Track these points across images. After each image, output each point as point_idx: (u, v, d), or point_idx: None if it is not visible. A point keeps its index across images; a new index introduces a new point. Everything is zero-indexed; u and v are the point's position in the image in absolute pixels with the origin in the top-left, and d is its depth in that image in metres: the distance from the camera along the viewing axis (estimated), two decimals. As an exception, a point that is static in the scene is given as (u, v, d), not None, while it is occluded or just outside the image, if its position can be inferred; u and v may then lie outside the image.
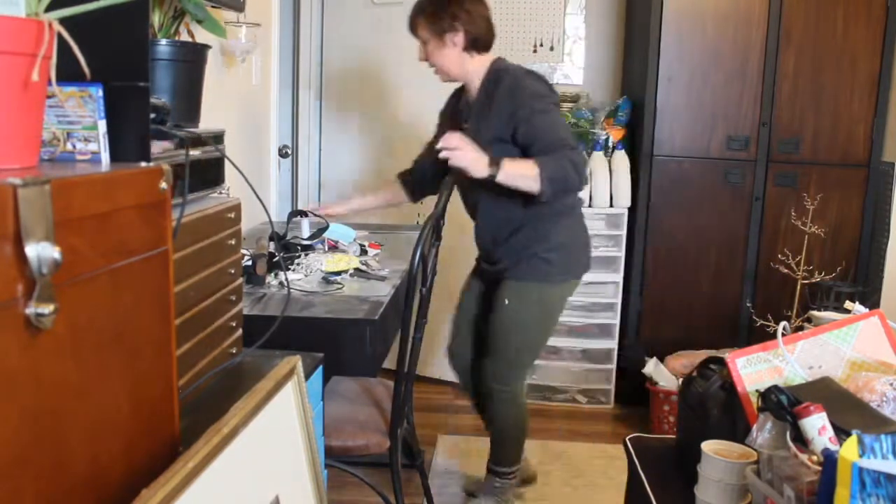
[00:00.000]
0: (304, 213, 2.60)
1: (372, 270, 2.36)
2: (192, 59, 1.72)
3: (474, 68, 2.35)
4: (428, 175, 2.60)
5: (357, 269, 2.34)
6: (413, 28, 2.37)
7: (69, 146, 1.01)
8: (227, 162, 1.54)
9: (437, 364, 3.77)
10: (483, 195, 2.38)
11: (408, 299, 2.02)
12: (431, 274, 2.23)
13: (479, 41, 2.33)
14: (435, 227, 2.17)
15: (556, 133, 2.20)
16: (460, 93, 2.52)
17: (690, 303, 3.54)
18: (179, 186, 1.28)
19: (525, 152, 2.24)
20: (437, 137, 2.49)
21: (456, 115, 2.49)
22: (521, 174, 2.14)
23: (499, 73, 2.31)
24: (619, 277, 3.52)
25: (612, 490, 2.80)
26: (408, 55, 3.70)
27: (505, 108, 2.25)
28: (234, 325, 1.54)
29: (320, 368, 1.68)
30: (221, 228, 1.46)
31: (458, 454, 3.08)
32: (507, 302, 2.37)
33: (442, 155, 2.14)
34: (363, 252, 2.59)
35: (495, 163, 2.13)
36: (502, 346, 2.42)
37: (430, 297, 2.26)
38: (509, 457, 2.56)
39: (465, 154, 2.12)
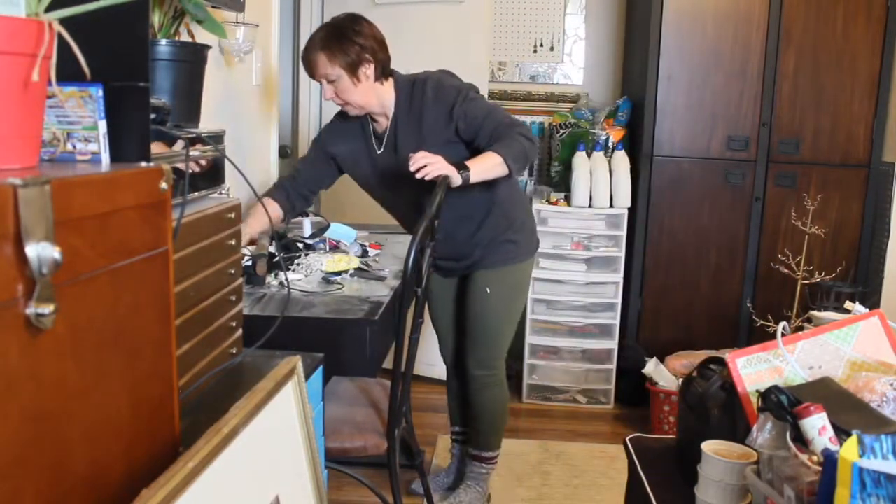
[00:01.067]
0: (305, 213, 2.59)
1: (372, 271, 2.36)
2: (192, 59, 1.72)
3: (387, 94, 2.30)
4: (313, 187, 2.51)
5: (358, 269, 2.34)
6: (314, 67, 2.22)
7: (69, 146, 1.01)
8: (227, 162, 1.54)
9: (437, 364, 3.77)
10: (471, 202, 2.38)
11: (403, 300, 2.02)
12: (427, 274, 2.23)
13: (386, 67, 2.29)
14: (429, 227, 2.17)
15: (494, 116, 2.23)
16: (358, 124, 2.42)
17: (690, 303, 3.54)
18: (179, 186, 1.28)
19: (472, 143, 2.26)
20: (347, 168, 2.48)
21: (367, 146, 2.41)
22: (488, 168, 2.14)
23: (413, 86, 2.30)
24: (619, 277, 3.52)
25: (612, 490, 2.80)
26: (408, 55, 3.70)
27: (440, 110, 2.26)
28: (234, 325, 1.54)
29: (320, 369, 1.68)
30: (221, 228, 1.46)
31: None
32: (488, 291, 2.42)
33: (420, 174, 2.06)
34: (364, 253, 2.59)
35: (462, 167, 2.10)
36: (489, 334, 2.47)
37: (427, 297, 2.26)
38: (496, 441, 2.62)
39: (440, 165, 2.06)
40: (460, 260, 2.48)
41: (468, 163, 2.13)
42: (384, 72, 2.29)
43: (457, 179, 2.09)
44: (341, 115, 2.45)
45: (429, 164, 2.05)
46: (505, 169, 2.14)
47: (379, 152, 2.38)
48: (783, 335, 1.46)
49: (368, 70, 2.23)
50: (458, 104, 2.24)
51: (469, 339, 2.51)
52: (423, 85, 2.30)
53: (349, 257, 2.41)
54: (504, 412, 2.60)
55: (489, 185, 2.26)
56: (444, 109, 2.25)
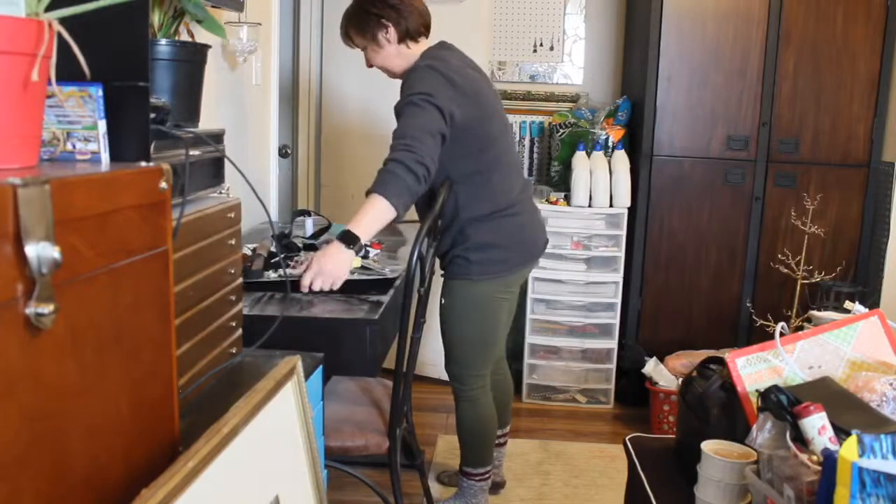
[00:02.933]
0: (307, 213, 2.58)
1: (374, 269, 2.36)
2: (192, 59, 1.72)
3: (414, 57, 2.32)
4: None
5: (360, 268, 2.33)
6: (347, 40, 2.37)
7: (69, 146, 1.01)
8: (227, 162, 1.54)
9: (437, 364, 3.77)
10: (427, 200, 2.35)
11: (405, 299, 2.02)
12: (429, 273, 2.23)
13: (411, 30, 2.30)
14: (432, 226, 2.17)
15: (405, 130, 2.08)
16: None
17: (690, 303, 3.55)
18: (179, 186, 1.28)
19: None
20: None
21: None
22: (373, 220, 2.01)
23: (412, 67, 2.28)
24: (619, 277, 3.52)
25: (612, 490, 2.80)
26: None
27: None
28: (234, 325, 1.54)
29: (320, 368, 1.68)
30: (221, 228, 1.46)
31: (457, 454, 3.08)
32: (442, 301, 2.38)
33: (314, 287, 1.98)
34: (366, 254, 2.58)
35: (349, 235, 1.98)
36: (451, 346, 2.42)
37: (429, 296, 2.26)
38: (477, 458, 2.51)
39: (321, 272, 1.94)
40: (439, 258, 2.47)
41: (353, 222, 1.99)
42: (408, 35, 2.29)
43: (345, 262, 1.95)
44: None
45: (312, 280, 1.94)
46: (391, 213, 1.99)
47: None
48: (782, 335, 1.46)
49: (389, 34, 2.28)
50: (400, 101, 2.19)
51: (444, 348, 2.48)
52: (416, 64, 2.27)
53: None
54: (478, 431, 2.48)
55: (460, 204, 2.25)
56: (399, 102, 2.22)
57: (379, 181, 2.01)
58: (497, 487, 2.77)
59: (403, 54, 2.31)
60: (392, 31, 2.28)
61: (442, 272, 2.42)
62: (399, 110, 2.16)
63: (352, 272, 2.29)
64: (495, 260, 2.35)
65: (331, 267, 1.94)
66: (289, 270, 2.15)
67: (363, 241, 1.99)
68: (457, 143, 2.18)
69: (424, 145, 2.04)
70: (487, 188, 2.30)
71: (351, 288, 2.07)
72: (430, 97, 2.10)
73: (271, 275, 2.17)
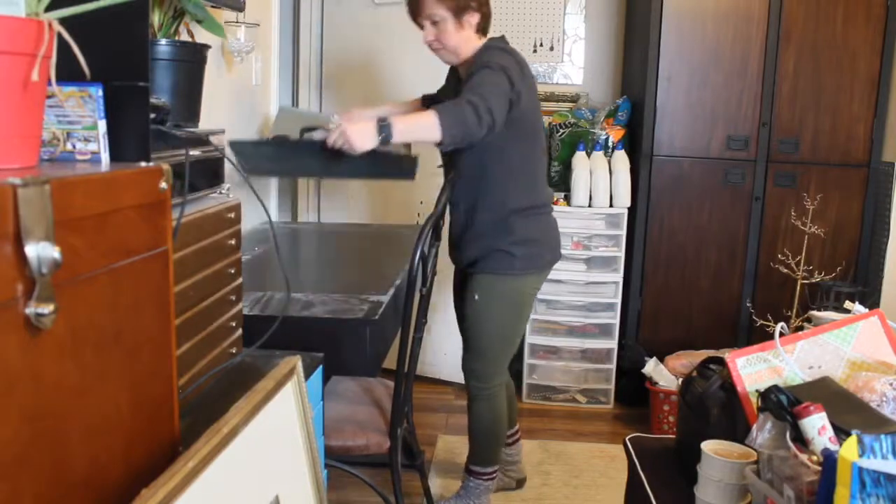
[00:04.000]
0: (313, 129, 2.48)
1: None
2: (192, 59, 1.72)
3: (476, 49, 2.32)
4: None
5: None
6: (420, 6, 2.25)
7: (69, 146, 1.01)
8: (227, 162, 1.54)
9: (438, 364, 3.77)
10: (460, 188, 2.35)
11: (408, 299, 2.02)
12: (431, 274, 2.23)
13: (485, 26, 2.32)
14: (435, 226, 2.17)
15: (480, 86, 2.10)
16: (455, 72, 2.49)
17: (690, 303, 3.54)
18: (179, 186, 1.28)
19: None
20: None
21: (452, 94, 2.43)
22: (415, 125, 2.06)
23: (481, 49, 2.29)
24: (619, 277, 3.52)
25: (612, 490, 2.80)
26: (408, 55, 3.71)
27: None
28: (234, 325, 1.54)
29: (320, 368, 1.68)
30: (221, 228, 1.46)
31: (458, 454, 3.08)
32: (476, 297, 2.36)
33: (333, 145, 2.03)
34: (385, 142, 2.38)
35: (384, 124, 2.00)
36: (480, 344, 2.39)
37: (430, 296, 2.26)
38: (487, 457, 2.51)
39: (344, 132, 1.99)
40: (459, 256, 2.46)
41: (396, 117, 2.04)
42: (483, 28, 2.30)
43: (367, 140, 1.98)
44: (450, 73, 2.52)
45: (337, 134, 1.99)
46: (436, 132, 2.00)
47: None
48: (782, 335, 1.46)
49: (473, 19, 2.26)
50: (475, 66, 2.19)
51: (464, 345, 2.46)
52: (485, 49, 2.27)
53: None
54: (492, 430, 2.49)
55: (504, 196, 2.25)
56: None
57: (442, 106, 2.06)
58: (521, 483, 2.79)
59: (472, 43, 2.30)
60: (476, 17, 2.27)
61: (468, 267, 2.40)
62: (472, 74, 2.16)
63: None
64: (535, 255, 2.38)
65: (352, 133, 1.98)
66: (317, 134, 2.17)
67: (393, 135, 2.00)
68: (514, 128, 2.21)
69: (497, 100, 2.08)
70: (532, 181, 2.35)
71: (369, 162, 2.07)
72: (506, 69, 2.15)
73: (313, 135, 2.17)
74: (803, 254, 3.28)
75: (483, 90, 2.08)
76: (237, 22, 2.55)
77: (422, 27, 2.30)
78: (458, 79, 2.44)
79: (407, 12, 2.34)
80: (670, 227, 3.49)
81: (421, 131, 2.05)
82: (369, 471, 2.27)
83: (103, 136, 1.01)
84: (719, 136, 3.41)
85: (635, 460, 1.61)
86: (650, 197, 3.47)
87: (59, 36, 0.83)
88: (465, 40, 2.29)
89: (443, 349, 3.72)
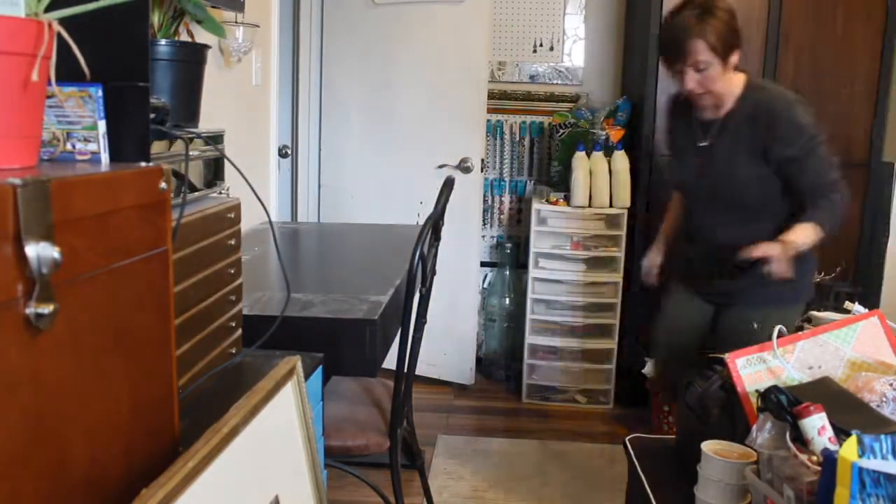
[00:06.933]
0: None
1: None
2: (191, 59, 1.72)
3: (735, 86, 2.21)
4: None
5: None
6: (688, 54, 2.08)
7: (69, 146, 1.01)
8: (226, 162, 1.54)
9: (438, 364, 3.77)
10: (724, 220, 2.27)
11: (408, 299, 2.02)
12: (431, 274, 2.23)
13: (736, 62, 2.20)
14: (434, 227, 2.17)
15: (827, 176, 2.13)
16: (684, 108, 2.32)
17: (690, 303, 3.53)
18: (179, 186, 1.28)
19: (779, 174, 2.17)
20: (674, 156, 2.43)
21: (690, 133, 2.31)
22: (808, 240, 2.09)
23: (760, 94, 2.20)
24: (618, 277, 3.52)
25: (612, 490, 2.80)
26: (408, 55, 3.71)
27: (769, 132, 2.14)
28: (233, 325, 1.54)
29: (320, 368, 1.68)
30: (221, 228, 1.46)
31: (458, 454, 3.08)
32: (755, 326, 2.17)
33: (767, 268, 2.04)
34: None
35: (789, 244, 2.06)
36: None
37: (430, 297, 2.26)
38: None
39: (780, 264, 2.03)
40: (720, 289, 2.36)
41: (791, 234, 2.06)
42: (735, 64, 2.19)
43: (788, 258, 2.02)
44: (674, 104, 2.40)
45: (773, 260, 2.00)
46: (820, 237, 2.08)
47: (702, 144, 2.25)
48: (781, 336, 1.46)
49: (735, 57, 2.15)
50: (792, 145, 2.11)
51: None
52: (768, 97, 2.18)
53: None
54: None
55: (780, 223, 2.18)
56: (774, 135, 2.13)
57: (822, 213, 2.10)
58: None
59: (734, 83, 2.19)
60: (738, 55, 2.16)
61: (726, 293, 2.32)
62: (809, 151, 2.12)
63: None
64: (807, 286, 2.34)
65: (783, 255, 2.02)
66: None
67: (796, 245, 2.05)
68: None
69: (838, 172, 2.15)
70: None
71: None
72: (822, 137, 2.15)
73: None
74: (803, 254, 3.28)
75: (832, 177, 2.12)
76: (236, 22, 2.55)
77: (678, 74, 2.14)
78: (700, 122, 2.27)
79: (661, 61, 2.19)
80: (670, 228, 3.48)
81: (811, 242, 2.09)
82: (369, 471, 2.27)
83: (103, 137, 1.01)
84: (719, 136, 3.41)
85: (635, 460, 1.61)
86: (650, 197, 3.47)
87: (59, 36, 0.83)
88: (730, 82, 2.17)
89: (443, 349, 3.72)
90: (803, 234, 2.08)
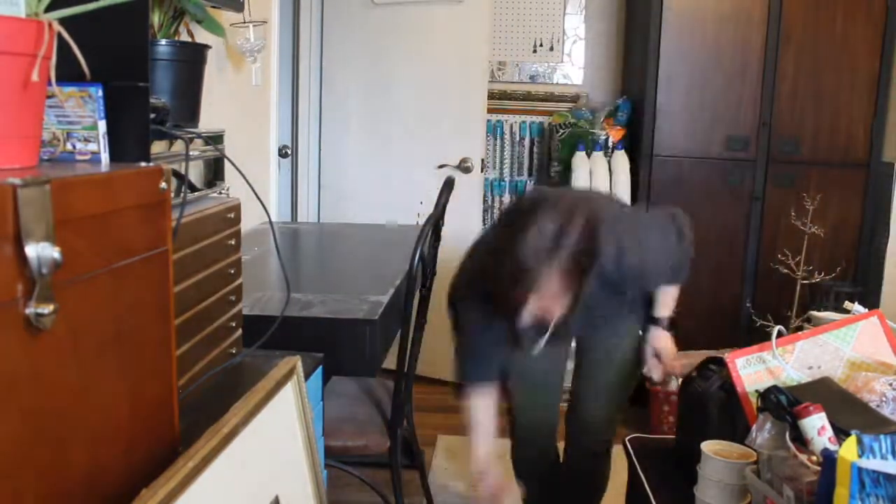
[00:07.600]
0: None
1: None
2: (191, 59, 1.72)
3: None
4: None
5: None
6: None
7: (69, 146, 1.01)
8: (227, 162, 1.54)
9: (438, 364, 3.77)
10: (610, 306, 2.16)
11: (408, 299, 2.02)
12: (431, 274, 2.23)
13: None
14: (435, 227, 2.17)
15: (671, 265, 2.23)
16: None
17: (690, 303, 3.53)
18: (179, 186, 1.28)
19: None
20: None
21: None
22: (673, 299, 2.24)
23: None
24: (618, 277, 3.52)
25: (612, 490, 2.80)
26: (408, 56, 3.71)
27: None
28: (233, 325, 1.54)
29: (320, 368, 1.68)
30: (221, 228, 1.46)
31: (458, 454, 3.08)
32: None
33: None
34: None
35: (660, 319, 2.20)
36: (624, 393, 2.25)
37: (430, 297, 2.26)
38: None
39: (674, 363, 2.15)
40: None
41: (659, 315, 2.19)
42: None
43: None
44: None
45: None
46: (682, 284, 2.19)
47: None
48: (781, 336, 1.46)
49: None
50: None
51: (608, 398, 2.33)
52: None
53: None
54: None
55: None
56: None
57: (677, 268, 2.26)
58: None
59: None
60: None
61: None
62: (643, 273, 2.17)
63: None
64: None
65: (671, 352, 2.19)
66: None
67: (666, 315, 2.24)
68: None
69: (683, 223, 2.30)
70: None
71: None
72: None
73: None
74: (803, 254, 3.28)
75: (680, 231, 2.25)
76: (244, 22, 2.54)
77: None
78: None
79: None
80: (670, 228, 3.49)
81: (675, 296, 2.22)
82: (369, 471, 2.27)
83: (103, 137, 1.01)
84: (719, 136, 3.41)
85: (635, 460, 1.61)
86: (650, 197, 3.47)
87: (59, 36, 0.83)
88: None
89: (443, 349, 3.71)
90: (672, 303, 2.21)
